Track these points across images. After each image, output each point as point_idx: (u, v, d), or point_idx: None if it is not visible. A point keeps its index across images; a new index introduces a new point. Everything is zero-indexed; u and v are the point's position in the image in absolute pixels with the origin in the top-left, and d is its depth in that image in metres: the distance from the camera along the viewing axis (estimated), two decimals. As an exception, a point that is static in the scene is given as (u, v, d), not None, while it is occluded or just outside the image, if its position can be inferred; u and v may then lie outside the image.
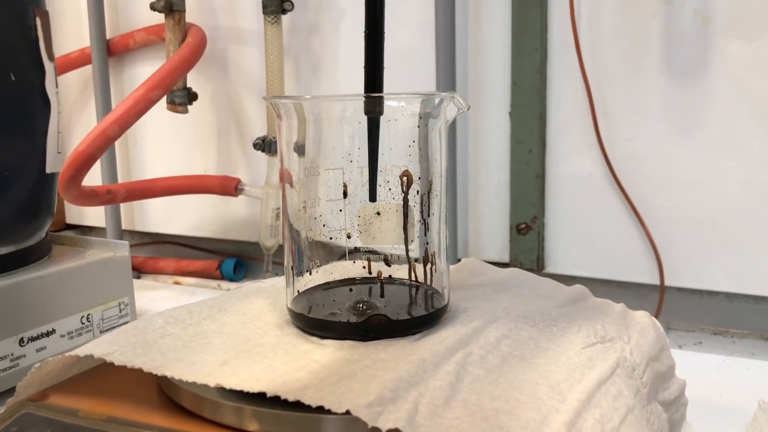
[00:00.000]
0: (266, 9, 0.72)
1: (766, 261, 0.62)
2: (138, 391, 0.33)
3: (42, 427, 0.31)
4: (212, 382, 0.29)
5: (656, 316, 0.65)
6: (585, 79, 0.65)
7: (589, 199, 0.68)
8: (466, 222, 0.73)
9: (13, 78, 0.26)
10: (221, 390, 0.30)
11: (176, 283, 0.85)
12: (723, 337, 0.66)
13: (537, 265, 0.70)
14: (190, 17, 0.78)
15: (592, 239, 0.68)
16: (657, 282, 0.66)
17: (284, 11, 0.73)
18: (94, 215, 0.95)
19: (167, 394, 0.32)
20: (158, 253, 0.92)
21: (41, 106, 0.27)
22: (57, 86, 0.30)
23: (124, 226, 0.90)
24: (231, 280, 0.85)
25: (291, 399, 0.27)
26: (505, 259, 0.72)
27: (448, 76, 0.68)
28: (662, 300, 0.66)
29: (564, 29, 0.66)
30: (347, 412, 0.26)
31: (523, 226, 0.70)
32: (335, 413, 0.27)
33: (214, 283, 0.84)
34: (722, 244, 0.64)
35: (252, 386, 0.28)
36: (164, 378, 0.32)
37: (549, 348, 0.33)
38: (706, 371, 0.53)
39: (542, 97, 0.68)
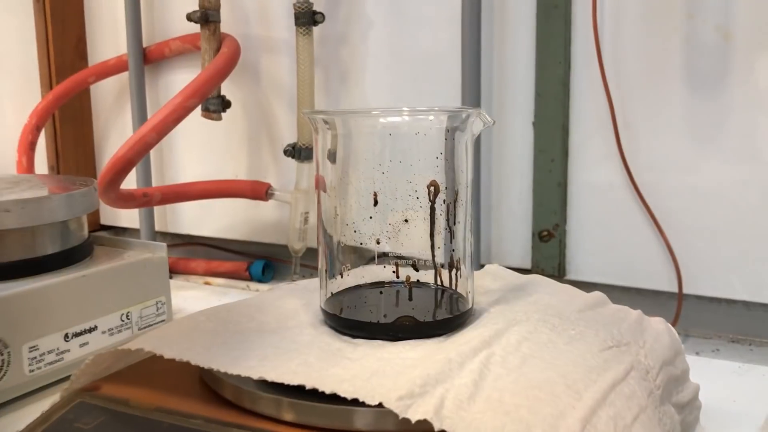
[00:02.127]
0: (298, 21, 0.74)
1: (784, 270, 0.63)
2: (182, 383, 0.36)
3: (96, 415, 0.34)
4: (255, 375, 0.31)
5: (674, 324, 0.67)
6: (607, 91, 0.67)
7: (610, 208, 0.70)
8: (489, 228, 0.75)
9: None
10: (260, 383, 0.33)
11: (206, 283, 0.88)
12: (740, 345, 0.67)
13: (558, 272, 0.72)
14: (224, 27, 0.81)
15: (612, 247, 0.70)
16: (676, 290, 0.67)
17: (315, 23, 0.75)
18: (128, 217, 0.98)
19: (210, 386, 0.35)
20: (189, 254, 0.95)
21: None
22: None
23: (157, 228, 0.93)
24: (260, 281, 0.87)
25: (328, 391, 0.29)
26: (527, 265, 0.74)
27: (473, 87, 0.70)
28: (680, 307, 0.67)
29: (587, 42, 0.67)
30: (379, 405, 0.28)
31: (545, 233, 0.72)
32: (367, 406, 0.29)
33: (243, 284, 0.87)
34: (741, 253, 0.65)
35: (291, 379, 0.30)
36: (208, 371, 0.35)
37: (567, 350, 0.35)
38: (722, 377, 0.54)
39: (565, 108, 0.70)
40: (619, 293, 0.68)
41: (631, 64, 0.67)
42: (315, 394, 0.31)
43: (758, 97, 0.62)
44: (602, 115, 0.68)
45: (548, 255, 0.72)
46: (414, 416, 0.27)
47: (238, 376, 0.32)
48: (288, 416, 0.31)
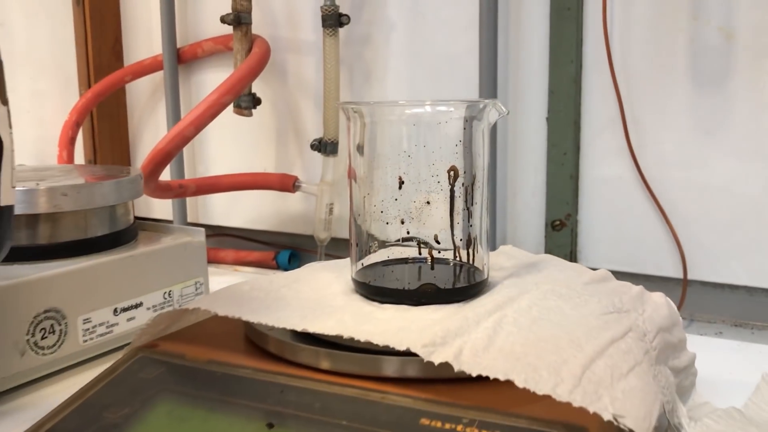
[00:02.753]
0: (325, 23, 0.79)
1: (784, 258, 0.67)
2: (230, 341, 0.41)
3: (156, 367, 0.39)
4: (299, 328, 0.36)
5: (679, 307, 0.71)
6: (616, 89, 0.71)
7: (619, 199, 0.74)
8: (505, 219, 0.80)
9: None
10: (299, 338, 0.37)
11: (236, 270, 0.93)
12: (742, 329, 0.71)
13: (570, 259, 0.76)
14: (255, 29, 0.86)
15: (621, 236, 0.74)
16: (681, 276, 0.71)
17: (341, 24, 0.80)
18: (161, 209, 1.03)
19: (255, 342, 0.40)
20: (219, 244, 1.00)
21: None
22: (11, 127, 0.34)
23: (189, 219, 0.99)
24: (286, 270, 0.92)
25: (362, 340, 0.34)
26: (541, 253, 0.78)
27: (490, 85, 0.74)
28: (685, 292, 0.71)
29: (597, 43, 0.72)
30: (406, 352, 0.33)
31: (558, 222, 0.76)
32: (394, 355, 0.34)
33: (270, 272, 0.92)
34: (743, 242, 0.69)
35: (331, 330, 0.35)
36: (253, 329, 0.39)
37: (572, 314, 0.39)
38: (721, 353, 0.58)
39: (577, 105, 0.74)
40: (627, 279, 0.71)
41: (639, 64, 0.71)
42: (347, 348, 0.36)
43: (759, 95, 0.66)
44: (612, 111, 0.72)
45: (560, 243, 0.76)
46: (437, 360, 0.32)
47: (281, 331, 0.37)
48: (325, 365, 0.36)
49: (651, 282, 0.74)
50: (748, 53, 0.66)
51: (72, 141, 0.99)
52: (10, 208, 0.34)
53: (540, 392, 0.30)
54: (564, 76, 0.73)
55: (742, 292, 0.71)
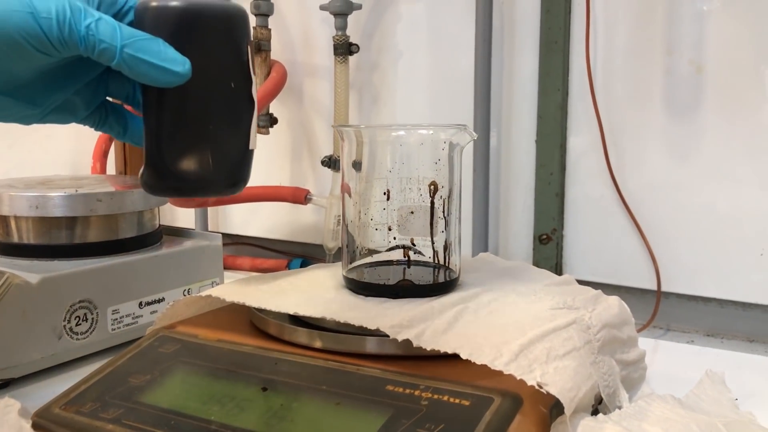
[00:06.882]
0: (337, 51, 0.87)
1: (752, 272, 0.73)
2: (236, 326, 0.48)
3: (174, 344, 0.46)
4: (291, 311, 0.43)
5: (653, 317, 0.77)
6: (597, 115, 0.77)
7: (601, 216, 0.80)
8: (497, 232, 0.86)
9: (232, 86, 0.43)
10: (296, 322, 0.45)
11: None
12: (714, 338, 0.77)
13: (555, 271, 0.82)
14: (273, 55, 0.94)
15: (602, 250, 0.80)
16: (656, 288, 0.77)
17: (351, 53, 0.88)
18: (184, 218, 1.12)
19: (257, 326, 0.47)
20: (237, 252, 1.08)
21: (248, 104, 0.44)
22: (256, 90, 0.47)
23: (209, 228, 1.06)
24: (297, 276, 0.99)
25: (342, 320, 0.41)
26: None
27: (483, 109, 0.81)
28: (658, 303, 0.77)
29: (582, 73, 0.78)
30: (377, 330, 0.40)
31: (545, 236, 0.83)
32: (371, 334, 0.41)
33: (283, 278, 0.99)
34: (715, 257, 0.74)
35: (318, 314, 0.42)
36: (257, 315, 0.47)
37: (525, 308, 0.46)
38: (682, 356, 0.64)
39: (563, 129, 0.81)
40: (609, 290, 0.77)
41: (618, 92, 0.77)
42: (334, 330, 0.43)
43: (726, 123, 0.72)
44: (594, 136, 0.79)
45: (547, 256, 0.83)
46: (400, 337, 0.39)
47: (280, 317, 0.44)
48: (317, 344, 0.43)
49: (631, 294, 0.80)
50: (715, 85, 0.72)
51: (105, 154, 1.07)
52: (253, 151, 0.47)
53: (479, 362, 0.37)
54: (552, 102, 0.80)
55: (714, 304, 0.77)
